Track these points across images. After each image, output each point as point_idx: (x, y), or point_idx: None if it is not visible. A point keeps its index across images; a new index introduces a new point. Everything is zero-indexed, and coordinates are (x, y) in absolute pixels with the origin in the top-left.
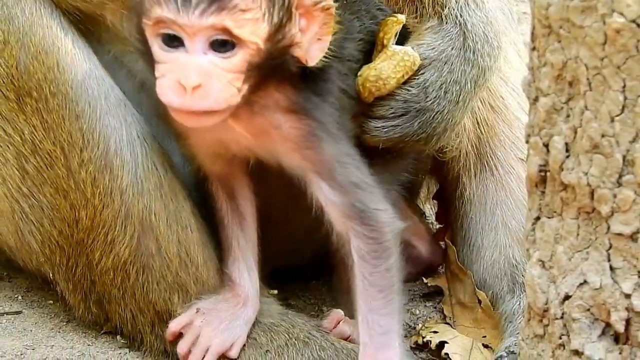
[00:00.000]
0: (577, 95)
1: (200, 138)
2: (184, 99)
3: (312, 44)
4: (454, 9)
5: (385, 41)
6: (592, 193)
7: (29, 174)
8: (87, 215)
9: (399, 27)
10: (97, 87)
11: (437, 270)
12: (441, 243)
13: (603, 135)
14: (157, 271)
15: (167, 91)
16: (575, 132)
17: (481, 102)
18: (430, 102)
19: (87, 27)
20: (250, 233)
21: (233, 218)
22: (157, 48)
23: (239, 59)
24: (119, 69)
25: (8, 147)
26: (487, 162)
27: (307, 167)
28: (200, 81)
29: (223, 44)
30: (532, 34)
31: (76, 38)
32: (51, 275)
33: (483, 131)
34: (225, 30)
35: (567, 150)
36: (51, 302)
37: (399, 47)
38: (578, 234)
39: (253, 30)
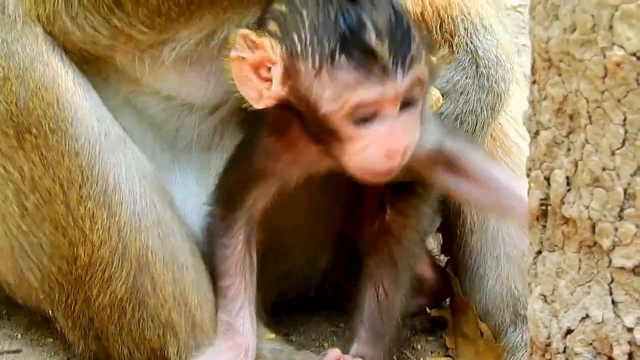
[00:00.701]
0: (577, 128)
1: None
2: (392, 162)
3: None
4: (463, 37)
5: None
6: (593, 227)
7: (29, 211)
8: (85, 252)
9: (438, 103)
10: (98, 124)
11: (442, 302)
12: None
13: (604, 169)
14: (152, 309)
15: (373, 162)
16: (576, 166)
17: None
18: None
19: (92, 66)
20: (255, 281)
21: (245, 266)
22: (350, 128)
23: (420, 101)
24: (125, 107)
25: (8, 184)
26: None
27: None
28: (408, 141)
29: (411, 99)
30: (532, 67)
31: (77, 75)
32: (50, 312)
33: None
34: (419, 80)
35: (568, 184)
36: (51, 340)
37: None
38: (580, 268)
39: (427, 66)
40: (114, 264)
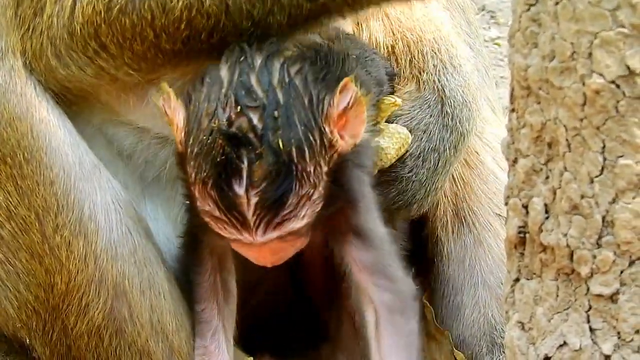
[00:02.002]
0: (556, 156)
1: None
2: (267, 265)
3: (353, 136)
4: (432, 74)
5: (379, 119)
6: (571, 254)
7: (4, 239)
8: (62, 280)
9: (395, 109)
10: (72, 152)
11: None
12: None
13: (582, 197)
14: (129, 336)
15: (248, 258)
16: (555, 194)
17: None
18: (407, 171)
19: (69, 99)
20: (232, 307)
21: (217, 290)
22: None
23: (304, 229)
24: (96, 136)
25: None
26: (464, 218)
27: (339, 224)
28: (277, 258)
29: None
30: (511, 95)
31: (51, 105)
32: (27, 340)
33: (459, 188)
34: (289, 233)
35: (546, 212)
36: None
37: (390, 124)
38: (557, 295)
39: (313, 210)
40: (91, 291)
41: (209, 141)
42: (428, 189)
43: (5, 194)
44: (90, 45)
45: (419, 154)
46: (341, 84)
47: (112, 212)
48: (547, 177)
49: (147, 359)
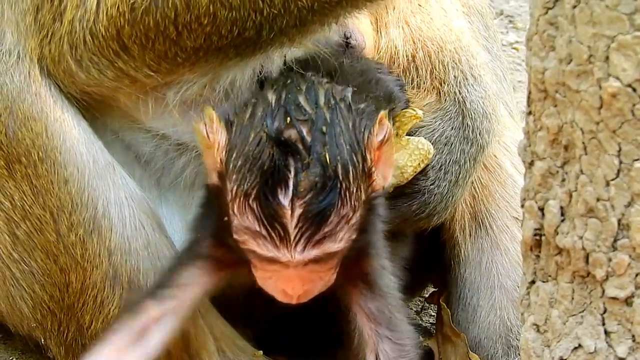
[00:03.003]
0: (572, 159)
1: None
2: (290, 300)
3: (384, 175)
4: (453, 85)
5: (399, 132)
6: (587, 257)
7: (20, 239)
8: (76, 279)
9: (416, 122)
10: (86, 151)
11: (429, 332)
12: (434, 305)
13: (598, 199)
14: None
15: (272, 292)
16: (571, 196)
17: None
18: (430, 184)
19: (89, 103)
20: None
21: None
22: (255, 259)
23: (337, 258)
24: (115, 141)
25: None
26: (481, 221)
27: (349, 272)
28: (305, 289)
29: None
30: (528, 98)
31: (65, 104)
32: (43, 340)
33: (477, 190)
34: (327, 256)
35: (562, 214)
36: None
37: (413, 137)
38: (573, 298)
39: (351, 232)
40: (106, 288)
41: (256, 151)
42: (448, 200)
43: (21, 193)
44: (111, 47)
45: (441, 166)
46: (379, 116)
47: (126, 208)
48: (563, 180)
49: (164, 353)
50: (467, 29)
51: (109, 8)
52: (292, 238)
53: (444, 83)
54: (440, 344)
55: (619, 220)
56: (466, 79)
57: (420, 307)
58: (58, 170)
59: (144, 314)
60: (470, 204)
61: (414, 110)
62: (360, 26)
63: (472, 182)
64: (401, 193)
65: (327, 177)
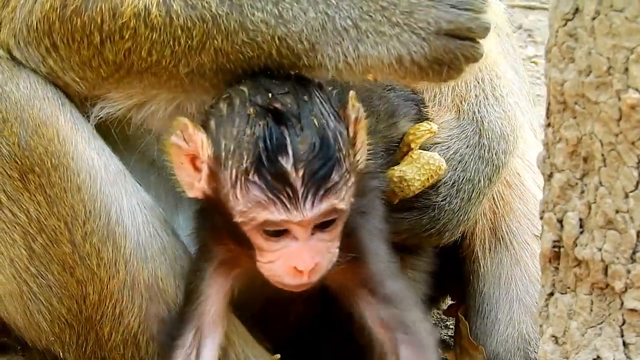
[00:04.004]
0: (591, 171)
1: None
2: (300, 279)
3: (361, 155)
4: (473, 104)
5: (412, 145)
6: (605, 269)
7: (36, 252)
8: (94, 290)
9: (430, 137)
10: (98, 157)
11: (447, 344)
12: (452, 318)
13: (617, 211)
14: None
15: (281, 275)
16: (590, 208)
17: None
18: (441, 200)
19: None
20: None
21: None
22: (260, 240)
23: (339, 225)
24: (126, 146)
25: (15, 227)
26: (502, 237)
27: (352, 281)
28: (316, 262)
29: (328, 221)
30: (547, 110)
31: (73, 108)
32: (61, 354)
33: (499, 206)
34: (334, 211)
35: (581, 226)
36: None
37: (426, 152)
38: (591, 310)
39: (349, 194)
40: (124, 298)
41: (247, 129)
42: (460, 218)
43: (36, 205)
44: (43, 42)
45: (453, 183)
46: (350, 94)
47: (139, 214)
48: (582, 192)
49: None
50: (495, 48)
51: (45, 1)
52: (300, 196)
53: (464, 101)
54: (458, 357)
55: (638, 232)
56: (487, 98)
57: (438, 319)
58: (70, 176)
59: (187, 342)
60: (491, 219)
61: (429, 124)
62: None
63: (494, 197)
64: (411, 207)
65: (321, 139)
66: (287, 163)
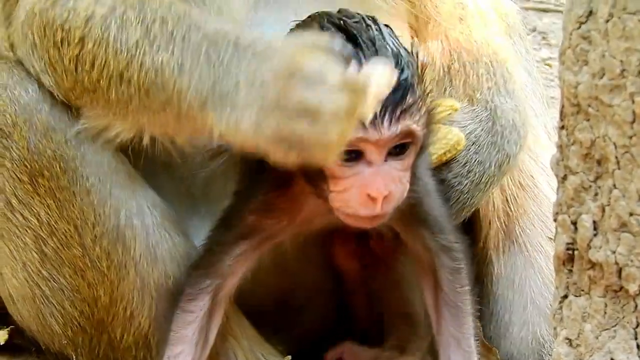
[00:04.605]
0: (605, 173)
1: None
2: (373, 208)
3: None
4: (486, 94)
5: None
6: (619, 271)
7: (48, 256)
8: (105, 292)
9: (452, 114)
10: (107, 160)
11: None
12: None
13: (631, 214)
14: None
15: (353, 204)
16: (604, 211)
17: (511, 180)
18: (451, 177)
19: None
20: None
21: (201, 337)
22: (335, 165)
23: (411, 155)
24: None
25: (26, 231)
26: (515, 239)
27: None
28: (389, 190)
29: (401, 146)
30: (561, 112)
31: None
32: (74, 357)
33: (512, 209)
34: (409, 133)
35: (595, 229)
36: None
37: (444, 126)
38: (605, 312)
39: (422, 120)
40: (135, 299)
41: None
42: (467, 201)
43: (46, 208)
44: (27, 39)
45: (465, 163)
46: (412, 41)
47: (149, 216)
48: (596, 194)
49: None
50: (508, 46)
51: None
52: (377, 115)
53: (477, 91)
54: None
55: None
56: (499, 90)
57: None
58: (80, 180)
59: (201, 310)
60: (504, 222)
61: (452, 100)
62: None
63: (507, 199)
64: None
65: (396, 61)
66: None
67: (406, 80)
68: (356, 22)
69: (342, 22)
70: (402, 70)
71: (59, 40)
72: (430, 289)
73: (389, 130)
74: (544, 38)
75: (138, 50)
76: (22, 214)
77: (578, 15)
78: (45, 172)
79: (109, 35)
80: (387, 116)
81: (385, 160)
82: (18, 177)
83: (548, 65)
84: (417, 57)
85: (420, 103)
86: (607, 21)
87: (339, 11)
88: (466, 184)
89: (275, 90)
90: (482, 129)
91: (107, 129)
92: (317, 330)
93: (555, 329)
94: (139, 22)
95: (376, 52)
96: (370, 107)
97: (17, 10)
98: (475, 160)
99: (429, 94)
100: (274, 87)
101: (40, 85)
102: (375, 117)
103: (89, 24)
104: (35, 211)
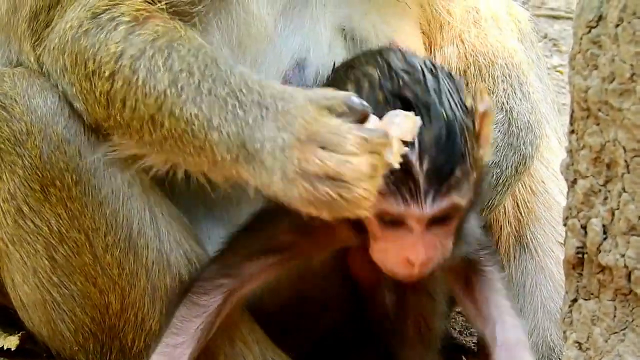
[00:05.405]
0: (614, 177)
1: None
2: (411, 270)
3: (484, 148)
4: (501, 96)
5: None
6: (629, 275)
7: (58, 263)
8: (116, 299)
9: None
10: (121, 173)
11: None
12: None
13: None
14: None
15: (392, 266)
16: (613, 214)
17: (522, 185)
18: None
19: None
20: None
21: (204, 333)
22: (376, 227)
23: (455, 220)
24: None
25: (37, 238)
26: (526, 244)
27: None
28: (429, 257)
29: (445, 216)
30: (571, 117)
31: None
32: None
33: (523, 214)
34: (454, 208)
35: (604, 232)
36: None
37: None
38: (615, 316)
39: (470, 189)
40: (146, 304)
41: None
42: (484, 202)
43: (57, 216)
44: (60, 61)
45: None
46: (479, 88)
47: (162, 225)
48: (606, 198)
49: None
50: (522, 50)
51: (66, 23)
52: (422, 191)
53: (493, 94)
54: None
55: None
56: (515, 92)
57: (463, 326)
58: (92, 192)
59: (211, 307)
60: (515, 227)
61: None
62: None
63: (518, 204)
64: None
65: (449, 131)
66: (412, 154)
67: (455, 152)
68: (415, 81)
69: (400, 84)
70: (454, 141)
71: (91, 72)
72: (460, 289)
73: (431, 208)
74: (555, 45)
75: (166, 100)
76: (33, 221)
77: (588, 20)
78: (57, 182)
79: (138, 79)
80: (430, 192)
81: (428, 228)
82: (29, 185)
83: (559, 72)
84: (480, 106)
85: (470, 171)
86: (617, 26)
87: (401, 65)
88: (484, 187)
89: (296, 156)
90: (499, 130)
91: (141, 159)
92: (330, 338)
93: (565, 332)
94: (166, 69)
95: (430, 121)
96: (396, 155)
97: (49, 32)
98: (492, 162)
99: (482, 159)
100: (295, 153)
101: (60, 99)
102: (418, 192)
103: (118, 62)
104: (46, 219)
